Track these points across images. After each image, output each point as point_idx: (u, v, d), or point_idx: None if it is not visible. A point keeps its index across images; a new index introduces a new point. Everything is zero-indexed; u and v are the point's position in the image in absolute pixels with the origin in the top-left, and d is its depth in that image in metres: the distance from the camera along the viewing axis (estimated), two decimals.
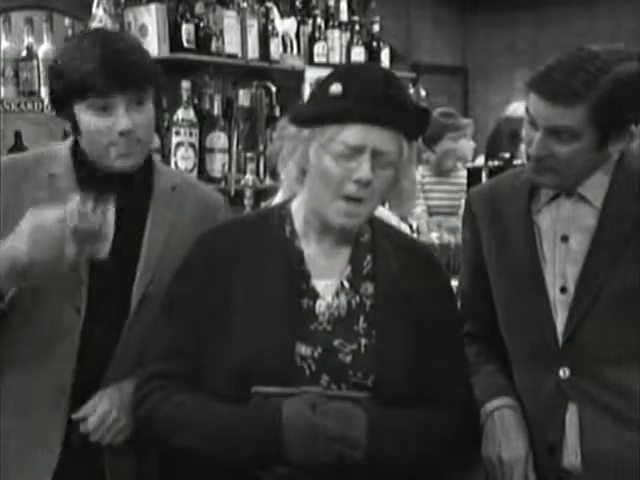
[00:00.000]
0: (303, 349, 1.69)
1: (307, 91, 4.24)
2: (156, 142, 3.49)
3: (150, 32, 3.72)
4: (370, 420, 1.63)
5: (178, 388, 1.73)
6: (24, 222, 1.70)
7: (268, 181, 3.97)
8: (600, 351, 1.82)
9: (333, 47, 4.49)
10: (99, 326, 1.84)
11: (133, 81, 1.80)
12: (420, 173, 4.69)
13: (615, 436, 1.80)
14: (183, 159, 3.72)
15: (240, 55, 4.00)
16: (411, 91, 4.64)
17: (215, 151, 3.86)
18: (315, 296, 1.75)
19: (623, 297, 1.81)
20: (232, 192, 3.80)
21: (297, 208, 1.81)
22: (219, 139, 3.86)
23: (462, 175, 4.63)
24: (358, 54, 4.61)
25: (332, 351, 1.70)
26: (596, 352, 1.82)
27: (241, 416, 1.65)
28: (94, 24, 3.66)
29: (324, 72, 1.82)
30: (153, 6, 3.73)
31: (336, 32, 4.51)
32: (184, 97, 3.68)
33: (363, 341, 1.72)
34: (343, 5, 4.61)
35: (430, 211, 4.78)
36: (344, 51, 4.57)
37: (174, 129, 3.70)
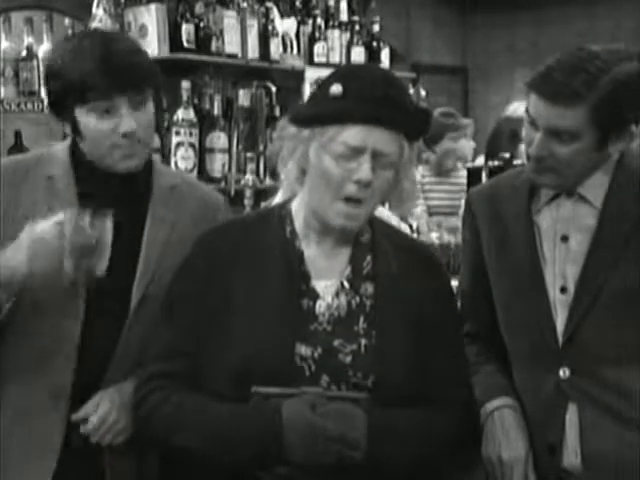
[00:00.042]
0: (303, 349, 1.69)
1: (307, 91, 4.24)
2: (156, 142, 3.49)
3: (150, 32, 3.72)
4: (370, 420, 1.63)
5: (178, 388, 1.73)
6: (24, 234, 1.69)
7: (268, 181, 3.97)
8: (600, 351, 1.82)
9: (333, 47, 4.48)
10: (99, 327, 1.84)
11: (134, 82, 1.80)
12: (420, 173, 4.70)
13: (615, 436, 1.80)
14: (183, 159, 3.72)
15: (240, 55, 4.00)
16: (411, 91, 4.63)
17: (215, 151, 3.86)
18: (315, 296, 1.75)
19: (623, 297, 1.81)
20: (232, 192, 3.80)
21: (297, 208, 1.81)
22: (219, 139, 3.86)
23: (462, 175, 4.63)
24: (358, 54, 4.61)
25: (332, 351, 1.70)
26: (596, 352, 1.82)
27: (241, 416, 1.65)
28: (94, 24, 3.66)
29: (324, 72, 1.82)
30: (153, 6, 3.73)
31: (336, 32, 4.51)
32: (184, 97, 3.68)
33: (363, 341, 1.72)
34: (343, 5, 4.61)
35: (430, 211, 4.78)
36: (344, 51, 4.56)
37: (174, 129, 3.70)
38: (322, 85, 1.73)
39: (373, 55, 4.70)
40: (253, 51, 4.05)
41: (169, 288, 1.81)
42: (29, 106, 3.77)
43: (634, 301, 1.80)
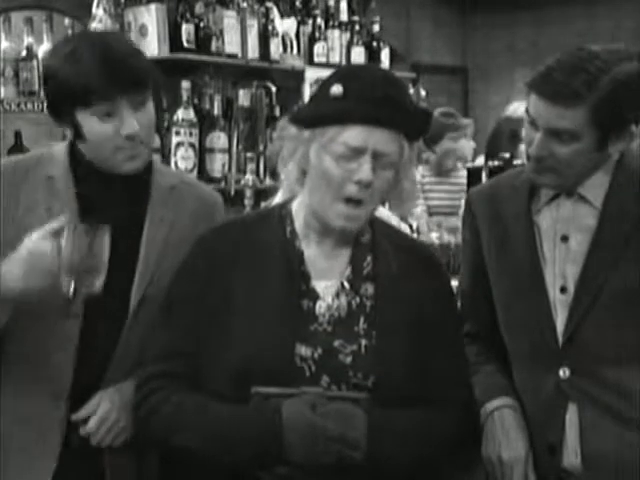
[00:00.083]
0: (303, 350, 1.69)
1: (307, 91, 4.24)
2: (156, 142, 3.49)
3: (150, 32, 3.72)
4: (370, 421, 1.63)
5: (178, 388, 1.73)
6: (21, 248, 1.67)
7: (268, 181, 3.97)
8: (600, 351, 1.82)
9: (333, 47, 4.49)
10: (98, 327, 1.84)
11: (135, 83, 1.79)
12: (420, 173, 4.69)
13: (615, 436, 1.80)
14: (183, 159, 3.72)
15: (240, 55, 4.01)
16: (411, 91, 4.63)
17: (215, 151, 3.86)
18: (315, 297, 1.75)
19: (623, 297, 1.81)
20: (232, 192, 3.80)
21: (297, 208, 1.81)
22: (219, 139, 3.87)
23: (462, 175, 4.63)
24: (358, 54, 4.62)
25: (332, 352, 1.70)
26: (596, 352, 1.82)
27: (241, 416, 1.65)
28: (94, 24, 3.66)
29: (324, 72, 1.82)
30: (153, 6, 3.73)
31: (336, 32, 4.52)
32: (184, 97, 3.68)
33: (363, 342, 1.72)
34: (343, 5, 4.62)
35: (430, 211, 4.78)
36: (344, 51, 4.57)
37: (174, 129, 3.71)
38: (322, 86, 1.73)
39: (373, 55, 4.71)
40: (253, 51, 4.05)
41: (169, 288, 1.80)
42: (29, 106, 3.77)
43: (634, 301, 1.80)
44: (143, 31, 3.74)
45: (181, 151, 3.71)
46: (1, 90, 3.82)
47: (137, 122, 1.80)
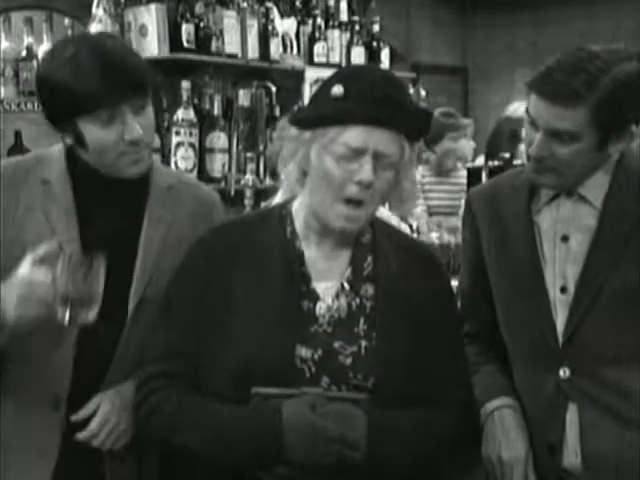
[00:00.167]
0: (303, 351, 1.69)
1: (307, 91, 4.24)
2: (156, 142, 3.49)
3: (150, 32, 3.72)
4: (370, 421, 1.63)
5: (178, 388, 1.72)
6: (16, 276, 1.66)
7: (268, 181, 3.98)
8: (600, 351, 1.82)
9: (333, 47, 4.49)
10: (97, 329, 1.83)
11: (137, 88, 1.77)
12: (420, 173, 4.70)
13: (615, 436, 1.80)
14: (183, 159, 3.72)
15: (240, 55, 4.00)
16: (411, 91, 4.64)
17: (215, 151, 3.86)
18: (315, 298, 1.75)
19: (623, 297, 1.81)
20: (232, 192, 3.80)
21: (298, 209, 1.81)
22: (219, 139, 3.87)
23: (462, 175, 4.64)
24: (358, 54, 4.62)
25: (332, 353, 1.70)
26: (596, 352, 1.82)
27: (241, 416, 1.65)
28: (94, 24, 3.66)
29: (324, 72, 1.82)
30: (153, 6, 3.73)
31: (336, 32, 4.51)
32: (184, 97, 3.68)
33: (363, 343, 1.72)
34: (343, 5, 4.62)
35: (430, 211, 4.78)
36: (344, 51, 4.57)
37: (174, 129, 3.71)
38: (323, 86, 1.73)
39: (373, 55, 4.71)
40: (253, 51, 4.05)
41: (168, 288, 1.80)
42: (29, 106, 3.77)
43: (634, 301, 1.80)
44: (143, 31, 3.74)
45: (181, 151, 3.71)
46: (1, 90, 3.82)
47: (139, 125, 1.78)
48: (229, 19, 3.94)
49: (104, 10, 3.67)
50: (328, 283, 1.76)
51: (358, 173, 1.67)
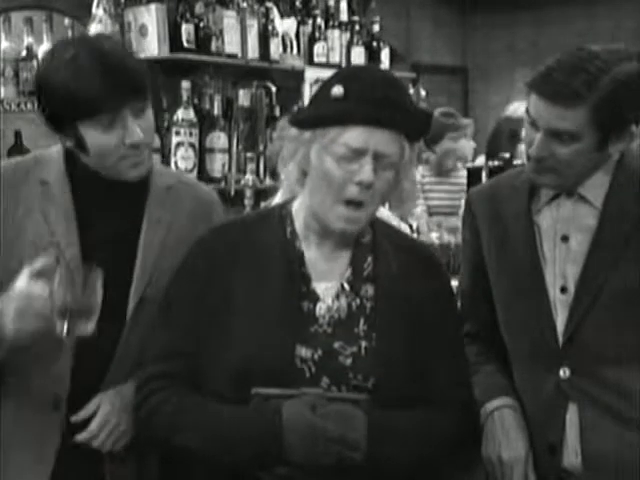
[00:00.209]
0: (303, 352, 1.69)
1: (307, 91, 4.24)
2: (156, 142, 3.48)
3: (150, 32, 3.72)
4: (370, 421, 1.63)
5: (178, 389, 1.72)
6: (13, 289, 1.65)
7: (268, 181, 3.98)
8: (600, 351, 1.82)
9: (333, 47, 4.49)
10: (97, 330, 1.83)
11: (137, 92, 1.77)
12: (420, 173, 4.70)
13: (615, 436, 1.80)
14: (183, 159, 3.72)
15: (240, 55, 4.00)
16: (411, 91, 4.64)
17: (215, 151, 3.86)
18: (315, 299, 1.74)
19: (623, 297, 1.81)
20: (232, 192, 3.80)
21: (298, 209, 1.81)
22: (219, 139, 3.86)
23: (462, 175, 4.63)
24: (358, 54, 4.61)
25: (332, 353, 1.70)
26: (596, 352, 1.82)
27: (241, 417, 1.65)
28: (94, 24, 3.65)
29: (324, 72, 1.82)
30: (153, 6, 3.73)
31: (336, 32, 4.51)
32: (184, 97, 3.68)
33: (363, 343, 1.72)
34: (343, 5, 4.61)
35: (430, 211, 4.78)
36: (344, 51, 4.57)
37: (174, 129, 3.71)
38: (323, 87, 1.73)
39: (373, 55, 4.70)
40: (253, 51, 4.05)
41: (168, 288, 1.80)
42: (29, 106, 3.76)
43: (634, 301, 1.80)
44: (143, 31, 3.74)
45: (181, 151, 3.71)
46: (1, 90, 3.82)
47: (140, 129, 1.78)
48: (229, 19, 3.94)
49: (104, 10, 3.66)
50: (328, 283, 1.76)
51: (358, 174, 1.66)
